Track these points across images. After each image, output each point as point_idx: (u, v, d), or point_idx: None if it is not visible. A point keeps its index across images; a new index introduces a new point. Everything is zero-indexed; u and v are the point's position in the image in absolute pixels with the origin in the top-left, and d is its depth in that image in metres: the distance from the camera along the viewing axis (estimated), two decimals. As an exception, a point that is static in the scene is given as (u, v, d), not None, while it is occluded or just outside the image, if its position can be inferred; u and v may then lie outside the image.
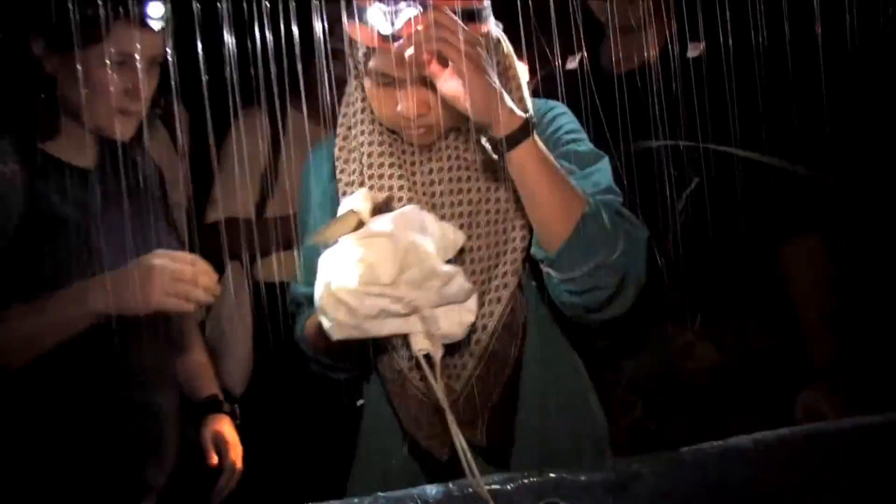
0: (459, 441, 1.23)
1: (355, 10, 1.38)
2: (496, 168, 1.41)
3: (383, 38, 1.34)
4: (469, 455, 1.23)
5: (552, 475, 1.24)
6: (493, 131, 1.30)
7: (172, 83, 1.47)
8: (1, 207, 1.49)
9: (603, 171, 1.46)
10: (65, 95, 1.55)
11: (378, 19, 1.34)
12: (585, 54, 1.98)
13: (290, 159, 2.38)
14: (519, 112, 1.30)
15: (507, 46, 1.50)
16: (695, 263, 1.85)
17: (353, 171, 1.51)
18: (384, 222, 1.26)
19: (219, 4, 1.40)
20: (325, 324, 1.22)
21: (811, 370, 1.90)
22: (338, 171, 1.53)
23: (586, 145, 1.50)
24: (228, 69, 1.41)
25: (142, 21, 1.52)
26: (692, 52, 1.92)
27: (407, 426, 1.50)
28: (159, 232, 1.68)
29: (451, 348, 1.40)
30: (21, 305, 1.47)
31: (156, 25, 1.54)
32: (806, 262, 1.93)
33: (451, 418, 1.23)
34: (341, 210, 1.32)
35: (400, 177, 1.47)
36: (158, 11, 1.53)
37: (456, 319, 1.25)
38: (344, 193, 1.51)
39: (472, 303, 1.27)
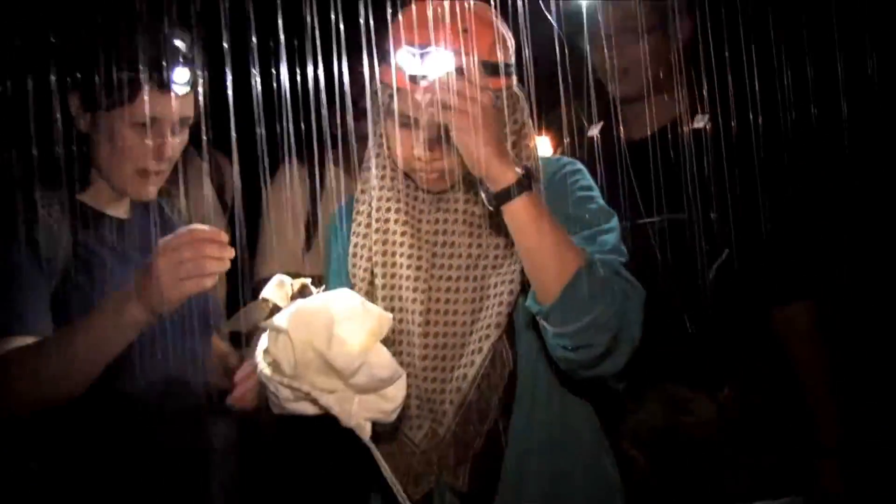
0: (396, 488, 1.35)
1: (387, 52, 1.48)
2: (497, 222, 1.46)
3: (410, 80, 1.43)
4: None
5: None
6: (488, 184, 1.37)
7: (205, 136, 1.55)
8: (49, 254, 1.53)
9: (610, 230, 1.51)
10: (97, 152, 1.60)
11: (406, 61, 1.44)
12: (599, 124, 2.06)
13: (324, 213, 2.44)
14: (517, 169, 1.37)
15: (525, 107, 1.56)
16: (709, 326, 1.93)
17: (363, 220, 1.59)
18: (283, 317, 1.32)
19: (253, 70, 1.49)
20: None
21: (818, 446, 1.95)
22: (353, 221, 1.61)
23: (597, 203, 1.55)
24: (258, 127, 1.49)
25: (168, 85, 1.56)
26: (697, 124, 1.99)
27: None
28: None
29: (433, 395, 1.48)
30: (56, 333, 1.47)
31: (181, 90, 1.58)
32: (806, 330, 1.96)
33: (383, 465, 1.35)
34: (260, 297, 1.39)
35: (405, 223, 1.54)
36: (184, 77, 1.57)
37: (374, 406, 1.33)
38: (355, 244, 1.59)
39: (394, 389, 1.33)
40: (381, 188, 1.57)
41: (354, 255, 1.59)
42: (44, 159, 1.56)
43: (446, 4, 1.45)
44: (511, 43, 1.52)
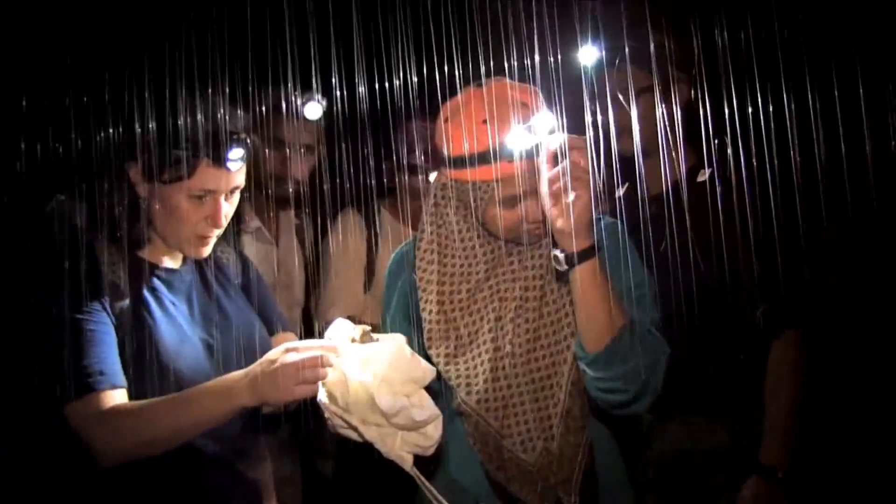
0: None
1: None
2: (561, 276, 1.64)
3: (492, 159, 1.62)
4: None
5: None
6: (564, 246, 1.53)
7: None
8: (116, 309, 1.67)
9: (644, 288, 1.69)
10: (154, 216, 1.72)
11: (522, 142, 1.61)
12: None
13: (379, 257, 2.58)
14: (591, 235, 1.54)
15: None
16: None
17: (432, 268, 1.75)
18: (343, 358, 1.51)
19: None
20: None
21: (757, 462, 2.01)
22: (418, 269, 1.76)
23: (633, 260, 1.72)
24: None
25: (223, 162, 1.67)
26: (700, 178, 2.11)
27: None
28: (249, 319, 1.84)
29: (541, 410, 1.66)
30: (163, 400, 1.62)
31: (234, 166, 1.69)
32: (780, 357, 2.05)
33: (430, 489, 1.52)
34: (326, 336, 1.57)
35: (486, 270, 1.73)
36: (238, 154, 1.69)
37: (414, 441, 1.50)
38: (423, 290, 1.74)
39: (432, 428, 1.51)
40: (461, 240, 1.75)
41: (424, 299, 1.75)
42: (109, 222, 1.71)
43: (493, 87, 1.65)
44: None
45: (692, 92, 2.13)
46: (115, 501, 1.68)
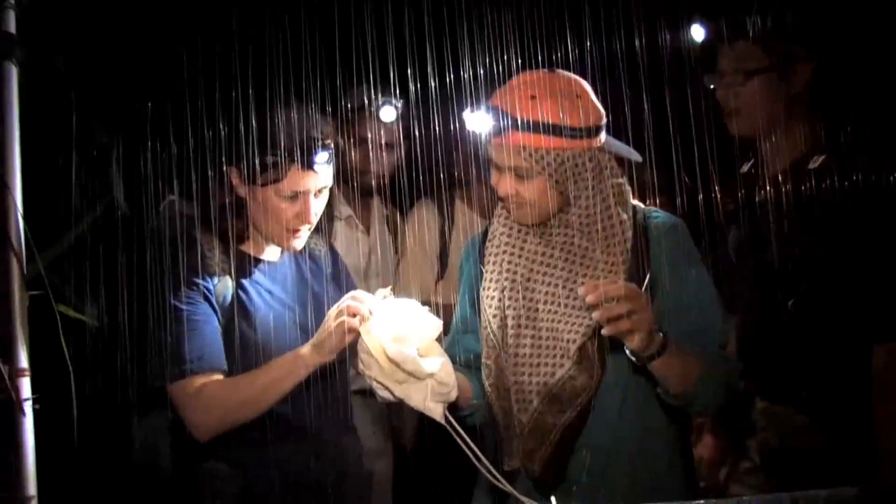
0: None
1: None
2: (589, 255, 1.80)
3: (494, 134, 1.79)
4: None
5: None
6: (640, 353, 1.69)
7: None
8: (220, 298, 1.87)
9: (712, 308, 1.82)
10: (251, 214, 1.91)
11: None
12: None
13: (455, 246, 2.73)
14: (660, 334, 1.68)
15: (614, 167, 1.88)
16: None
17: (493, 251, 1.91)
18: (366, 325, 1.73)
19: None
20: None
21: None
22: (487, 251, 1.93)
23: (701, 271, 1.85)
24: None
25: (312, 166, 1.84)
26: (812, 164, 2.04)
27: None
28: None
29: (522, 385, 1.80)
30: (244, 375, 1.84)
31: (321, 169, 1.86)
32: (886, 366, 1.90)
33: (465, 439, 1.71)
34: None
35: (511, 254, 1.88)
36: (325, 158, 1.85)
37: (438, 391, 1.71)
38: (489, 271, 1.91)
39: (443, 374, 1.71)
40: (499, 224, 1.92)
41: (487, 279, 1.91)
42: (214, 220, 1.91)
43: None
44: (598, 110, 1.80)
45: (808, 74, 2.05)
46: (210, 475, 1.89)
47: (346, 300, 1.77)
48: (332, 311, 1.78)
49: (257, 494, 1.89)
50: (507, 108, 1.75)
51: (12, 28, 1.60)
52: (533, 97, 1.74)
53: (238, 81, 1.87)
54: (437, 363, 1.70)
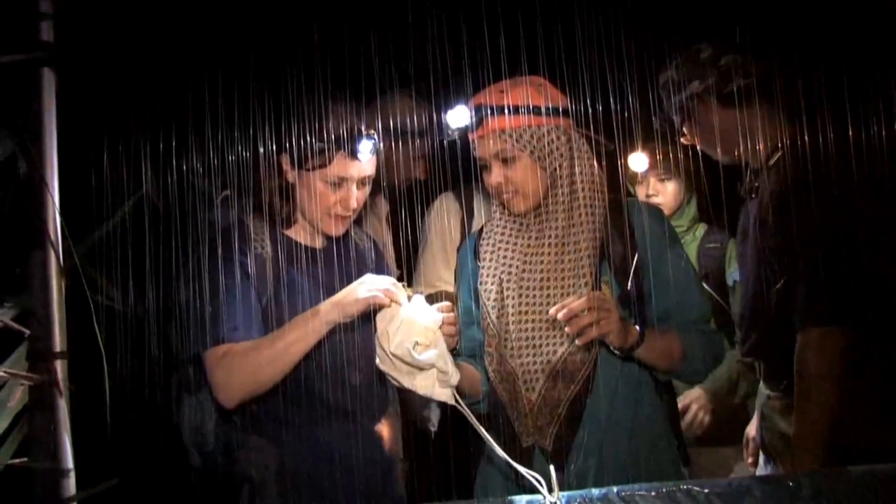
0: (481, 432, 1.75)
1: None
2: (575, 240, 1.93)
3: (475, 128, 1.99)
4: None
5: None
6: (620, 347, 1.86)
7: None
8: (261, 278, 1.98)
9: (692, 286, 2.00)
10: (299, 198, 2.04)
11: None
12: None
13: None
14: (636, 328, 1.86)
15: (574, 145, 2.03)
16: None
17: (487, 247, 2.07)
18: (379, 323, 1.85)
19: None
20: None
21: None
22: (481, 248, 2.09)
23: (683, 255, 2.01)
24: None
25: (355, 154, 1.98)
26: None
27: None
28: None
29: (528, 366, 1.92)
30: (265, 337, 1.92)
31: (364, 157, 2.00)
32: (812, 354, 1.97)
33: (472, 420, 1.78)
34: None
35: (505, 249, 2.03)
36: (367, 147, 2.00)
37: (441, 379, 1.81)
38: (483, 265, 2.06)
39: (441, 364, 1.80)
40: (494, 216, 2.08)
41: (483, 273, 2.05)
42: (263, 204, 2.04)
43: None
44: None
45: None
46: (248, 453, 1.99)
47: (387, 283, 1.86)
48: (368, 281, 1.87)
49: (293, 471, 1.98)
50: (482, 102, 1.95)
51: (50, 36, 1.71)
52: (501, 91, 1.95)
53: (292, 74, 1.97)
54: (433, 354, 1.80)
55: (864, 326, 1.96)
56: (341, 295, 1.88)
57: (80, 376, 1.73)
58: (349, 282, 1.96)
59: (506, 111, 1.91)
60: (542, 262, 1.97)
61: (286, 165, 2.03)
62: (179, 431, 2.12)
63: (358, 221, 2.18)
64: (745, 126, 2.11)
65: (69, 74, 1.71)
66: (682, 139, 2.28)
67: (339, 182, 2.00)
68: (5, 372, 1.64)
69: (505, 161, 1.95)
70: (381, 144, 2.04)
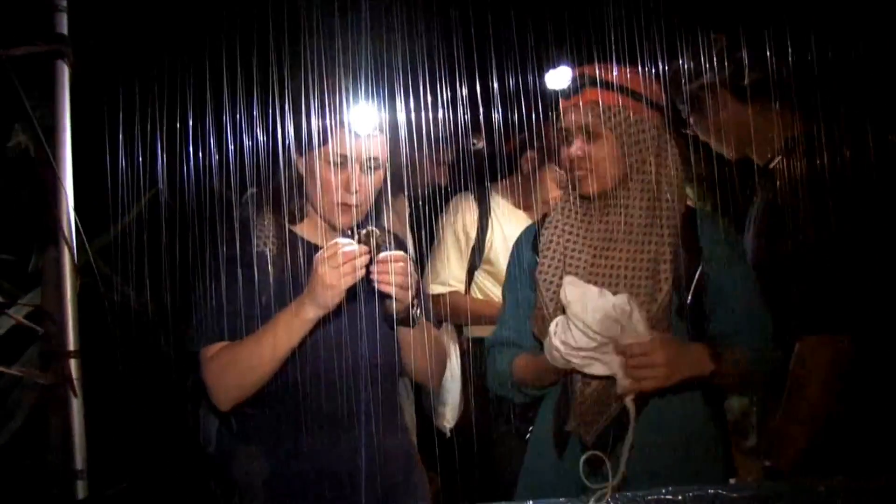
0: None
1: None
2: (654, 230, 1.88)
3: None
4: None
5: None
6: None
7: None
8: (263, 276, 1.90)
9: (755, 305, 1.92)
10: (308, 189, 1.96)
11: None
12: None
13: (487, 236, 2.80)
14: (708, 359, 1.82)
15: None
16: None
17: (549, 238, 2.01)
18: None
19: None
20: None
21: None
22: (543, 238, 2.03)
23: (743, 265, 1.96)
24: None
25: (353, 130, 1.89)
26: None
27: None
28: None
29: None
30: (251, 334, 1.84)
31: (364, 133, 1.90)
32: (806, 361, 1.96)
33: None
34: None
35: (574, 241, 1.97)
36: (371, 122, 1.89)
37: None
38: (544, 256, 2.00)
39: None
40: (562, 211, 2.02)
41: (544, 264, 1.99)
42: (272, 200, 1.98)
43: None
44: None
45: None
46: (252, 455, 1.93)
47: (331, 249, 1.76)
48: (320, 262, 1.77)
49: (285, 480, 1.91)
50: (584, 71, 1.92)
51: (64, 29, 1.69)
52: (607, 67, 1.91)
53: (300, 59, 1.92)
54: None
55: (861, 335, 1.94)
56: (311, 285, 1.78)
57: (93, 376, 1.70)
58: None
59: (606, 86, 1.87)
60: (615, 257, 1.92)
61: (295, 154, 1.96)
62: (193, 432, 2.08)
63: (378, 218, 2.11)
64: (756, 123, 2.07)
65: (84, 68, 1.68)
66: (686, 130, 2.23)
67: (342, 162, 1.91)
68: (18, 371, 1.61)
69: (589, 136, 1.90)
70: (387, 126, 1.96)
